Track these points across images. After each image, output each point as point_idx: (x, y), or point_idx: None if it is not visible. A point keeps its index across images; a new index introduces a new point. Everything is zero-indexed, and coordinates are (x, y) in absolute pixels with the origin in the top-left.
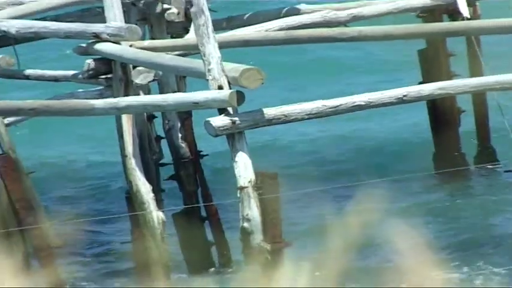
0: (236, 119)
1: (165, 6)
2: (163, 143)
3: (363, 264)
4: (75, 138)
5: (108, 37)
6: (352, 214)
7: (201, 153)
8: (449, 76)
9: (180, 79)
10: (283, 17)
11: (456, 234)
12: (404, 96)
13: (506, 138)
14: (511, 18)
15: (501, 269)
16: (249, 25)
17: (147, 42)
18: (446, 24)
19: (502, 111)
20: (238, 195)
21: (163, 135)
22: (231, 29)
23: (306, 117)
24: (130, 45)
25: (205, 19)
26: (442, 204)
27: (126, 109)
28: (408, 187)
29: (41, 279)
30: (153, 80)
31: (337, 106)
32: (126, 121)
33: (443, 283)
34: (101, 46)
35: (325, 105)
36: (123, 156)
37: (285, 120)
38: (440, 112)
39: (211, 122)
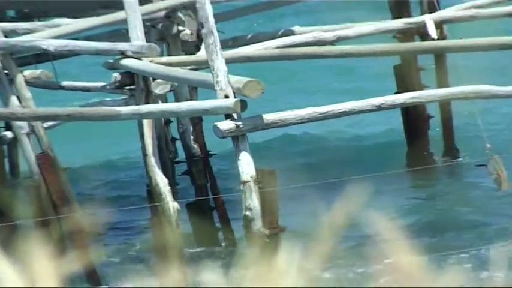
0: (240, 123)
1: (180, 28)
2: (178, 144)
3: (347, 246)
4: (105, 140)
5: (131, 54)
6: (339, 205)
7: (210, 152)
8: (420, 87)
9: (192, 89)
10: (279, 37)
11: (426, 221)
12: (382, 104)
13: (467, 138)
14: (472, 39)
15: (466, 254)
16: (251, 44)
17: (164, 59)
18: (417, 44)
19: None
20: (242, 188)
21: (178, 137)
22: (236, 47)
23: (300, 121)
24: (151, 61)
25: (214, 39)
26: (414, 195)
27: (147, 115)
28: (386, 182)
29: (74, 261)
30: (170, 91)
31: (326, 112)
32: (147, 125)
33: (418, 263)
34: (125, 62)
35: (316, 112)
36: (144, 155)
37: (281, 124)
38: (413, 118)
39: (218, 126)
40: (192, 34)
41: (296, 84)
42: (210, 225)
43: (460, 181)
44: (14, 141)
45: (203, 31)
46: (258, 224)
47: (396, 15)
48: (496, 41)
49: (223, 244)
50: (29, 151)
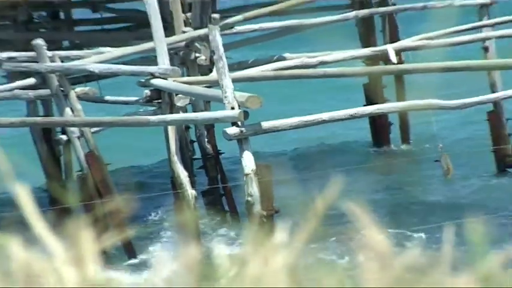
0: (243, 129)
1: (197, 54)
2: (195, 145)
3: (327, 226)
4: (138, 143)
5: (159, 75)
6: (321, 193)
7: (220, 151)
8: (383, 100)
9: (206, 103)
10: (274, 62)
11: (389, 205)
12: (355, 114)
13: (422, 140)
14: (423, 63)
15: (422, 234)
16: (252, 67)
17: (185, 79)
18: (381, 67)
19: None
20: (244, 179)
21: (195, 139)
22: (241, 69)
23: (289, 128)
24: (174, 80)
25: (223, 63)
26: (379, 185)
27: (171, 122)
28: (357, 174)
29: (114, 237)
30: (189, 103)
31: (309, 121)
32: (171, 130)
33: (385, 239)
34: (154, 81)
35: (301, 120)
36: (169, 153)
37: (275, 130)
38: (378, 124)
39: (227, 131)
40: (206, 59)
41: (288, 98)
42: (220, 208)
43: (418, 172)
44: (68, 143)
45: (215, 57)
46: (257, 207)
47: (365, 45)
48: (442, 65)
49: (230, 223)
50: (79, 151)
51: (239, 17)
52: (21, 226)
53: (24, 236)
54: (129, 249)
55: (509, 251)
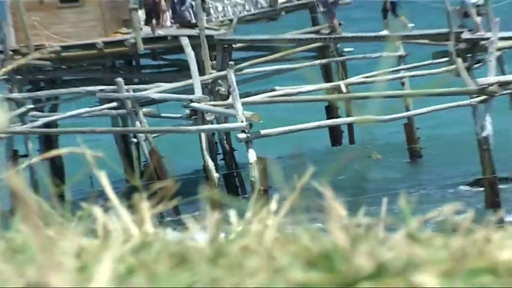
0: (248, 135)
1: (219, 87)
2: (218, 145)
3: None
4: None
5: (195, 100)
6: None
7: (234, 149)
8: (338, 116)
9: (225, 118)
10: (268, 92)
11: (341, 183)
12: (320, 125)
13: (361, 142)
14: (365, 93)
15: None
16: (254, 95)
17: (211, 103)
18: (336, 95)
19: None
20: (249, 166)
21: (218, 141)
22: (247, 97)
23: (278, 134)
24: (205, 104)
25: (236, 93)
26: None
27: (203, 131)
28: (321, 163)
29: (165, 206)
30: (214, 118)
31: (292, 129)
32: (203, 136)
33: (343, 209)
34: (193, 104)
35: (286, 129)
36: (202, 151)
37: (269, 135)
38: (334, 132)
39: (238, 136)
40: (224, 91)
41: (278, 116)
42: (234, 186)
43: (360, 161)
44: (137, 144)
45: (230, 89)
46: (257, 184)
47: (326, 81)
48: (382, 93)
49: (240, 196)
50: (145, 148)
51: (246, 64)
52: (103, 200)
53: (105, 207)
54: (176, 213)
55: (426, 215)
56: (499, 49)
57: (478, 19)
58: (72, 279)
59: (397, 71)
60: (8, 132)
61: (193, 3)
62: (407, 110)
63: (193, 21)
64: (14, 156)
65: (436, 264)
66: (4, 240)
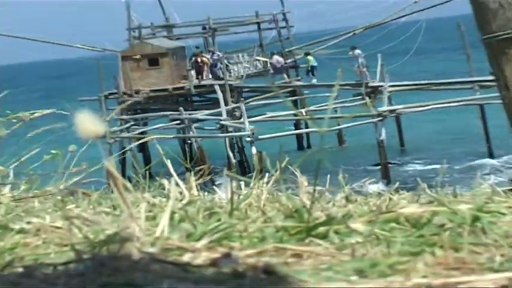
0: (252, 138)
1: (235, 112)
2: (235, 145)
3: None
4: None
5: (222, 120)
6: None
7: (244, 147)
8: (300, 129)
9: (238, 130)
10: (265, 115)
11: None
12: (294, 133)
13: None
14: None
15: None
16: (255, 117)
17: (231, 121)
18: (301, 117)
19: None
20: (253, 157)
21: (235, 142)
22: (250, 118)
23: (268, 138)
24: (227, 122)
25: (245, 115)
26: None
27: (227, 136)
28: (292, 158)
29: (204, 179)
30: (232, 130)
31: (281, 135)
32: (227, 140)
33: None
34: (221, 122)
35: (274, 135)
36: (226, 148)
37: (264, 139)
38: (299, 139)
39: (246, 139)
40: (238, 114)
41: (270, 128)
42: (244, 168)
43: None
44: (190, 144)
45: (242, 114)
46: (256, 167)
47: (295, 108)
48: (327, 116)
49: (247, 174)
50: (194, 146)
51: (250, 100)
52: (169, 176)
53: (170, 180)
54: (211, 183)
55: (353, 185)
56: (389, 91)
57: (365, 71)
58: (144, 225)
59: (334, 103)
60: (117, 136)
61: (221, 66)
62: (338, 125)
63: (221, 76)
64: (123, 152)
65: (362, 216)
66: (108, 201)
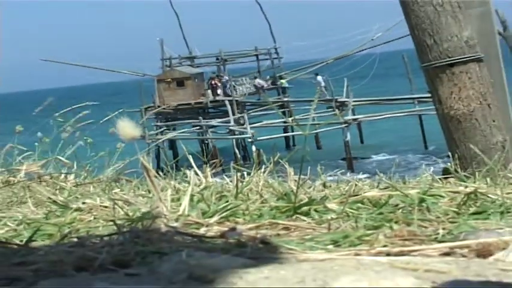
0: (252, 139)
1: (240, 120)
2: (240, 144)
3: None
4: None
5: (231, 126)
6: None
7: (246, 146)
8: (287, 131)
9: (243, 133)
10: (261, 121)
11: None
12: (283, 136)
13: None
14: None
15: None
16: (255, 123)
17: (237, 126)
18: (291, 123)
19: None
20: (253, 153)
21: (240, 142)
22: (251, 124)
23: (265, 139)
24: (234, 127)
25: (247, 122)
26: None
27: (234, 138)
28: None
29: (215, 170)
30: (238, 133)
31: (264, 139)
32: (234, 141)
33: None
34: (230, 127)
35: (266, 137)
36: (233, 147)
37: (262, 140)
38: (287, 140)
39: (248, 140)
40: (243, 122)
41: (266, 131)
42: (246, 161)
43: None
44: (207, 144)
45: (245, 121)
46: (256, 161)
47: (284, 117)
48: (307, 123)
49: (249, 166)
50: (210, 145)
51: (251, 111)
52: (190, 167)
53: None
54: (222, 172)
55: (328, 174)
56: (352, 105)
57: (324, 91)
58: (170, 205)
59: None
60: (154, 138)
61: (230, 86)
62: (316, 129)
63: (230, 94)
64: (157, 149)
65: (335, 198)
66: (144, 186)
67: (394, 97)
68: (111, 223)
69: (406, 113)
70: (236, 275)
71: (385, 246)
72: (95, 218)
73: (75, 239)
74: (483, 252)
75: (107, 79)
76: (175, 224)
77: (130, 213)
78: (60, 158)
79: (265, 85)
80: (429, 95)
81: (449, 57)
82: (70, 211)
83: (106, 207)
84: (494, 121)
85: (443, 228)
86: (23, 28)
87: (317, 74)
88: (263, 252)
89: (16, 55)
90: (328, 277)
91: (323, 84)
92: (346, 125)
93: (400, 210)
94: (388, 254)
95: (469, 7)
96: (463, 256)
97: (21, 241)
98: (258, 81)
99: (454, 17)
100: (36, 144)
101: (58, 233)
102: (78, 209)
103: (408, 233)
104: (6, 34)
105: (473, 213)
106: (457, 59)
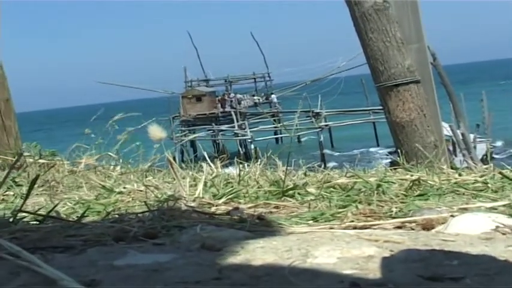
0: (252, 139)
1: (243, 126)
2: (243, 144)
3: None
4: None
5: (236, 130)
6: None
7: (247, 145)
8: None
9: (244, 135)
10: (258, 126)
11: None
12: (274, 138)
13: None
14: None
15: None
16: (254, 128)
17: (240, 130)
18: (279, 128)
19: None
20: (252, 151)
21: (243, 142)
22: (251, 129)
23: (261, 140)
24: (239, 131)
25: (247, 127)
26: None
27: (238, 138)
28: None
29: (224, 162)
30: (241, 135)
31: (269, 138)
32: (238, 140)
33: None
34: (235, 131)
35: (262, 138)
36: (238, 145)
37: (259, 140)
38: (277, 140)
39: (248, 140)
40: (245, 127)
41: (263, 134)
42: (247, 157)
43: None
44: (218, 143)
45: (246, 127)
46: (254, 156)
47: (274, 123)
48: (293, 128)
49: (250, 162)
50: (221, 145)
51: (252, 119)
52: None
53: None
54: (229, 164)
55: (308, 165)
56: (325, 115)
57: (278, 106)
58: (188, 190)
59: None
60: (179, 139)
61: (234, 101)
62: (298, 132)
63: (235, 106)
64: (182, 148)
65: (313, 184)
66: (170, 175)
67: (355, 109)
68: (144, 203)
69: (364, 121)
70: (239, 245)
71: (352, 221)
72: (132, 199)
73: (116, 216)
74: (427, 226)
75: (145, 96)
76: (192, 204)
77: (159, 196)
78: (110, 153)
79: (261, 100)
80: (381, 107)
81: (395, 80)
82: (114, 194)
83: (141, 191)
84: (428, 126)
85: (396, 207)
86: (86, 58)
87: (272, 93)
88: (259, 227)
89: (77, 77)
90: (310, 246)
91: (276, 100)
92: (320, 129)
93: (363, 193)
94: (355, 228)
95: (409, 43)
96: (412, 229)
97: (76, 217)
98: (256, 97)
99: (399, 50)
100: (96, 143)
101: (104, 211)
102: (120, 192)
103: (369, 211)
104: (80, 59)
105: (418, 196)
106: (401, 81)
